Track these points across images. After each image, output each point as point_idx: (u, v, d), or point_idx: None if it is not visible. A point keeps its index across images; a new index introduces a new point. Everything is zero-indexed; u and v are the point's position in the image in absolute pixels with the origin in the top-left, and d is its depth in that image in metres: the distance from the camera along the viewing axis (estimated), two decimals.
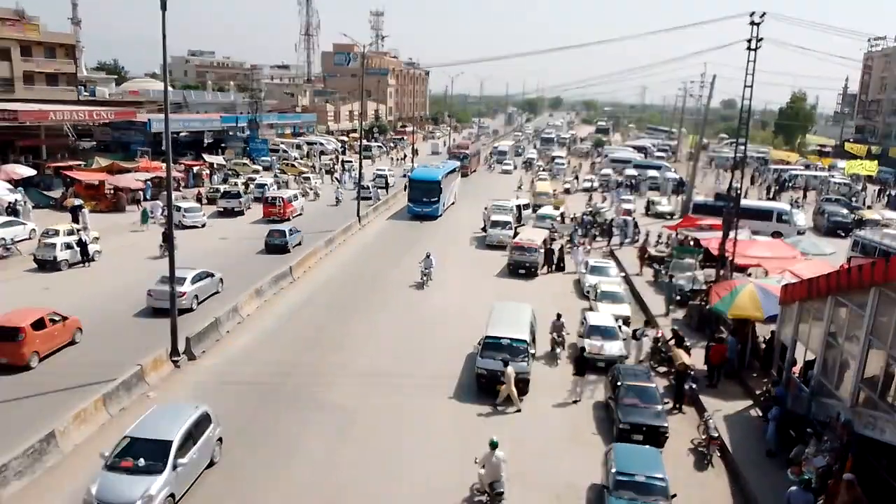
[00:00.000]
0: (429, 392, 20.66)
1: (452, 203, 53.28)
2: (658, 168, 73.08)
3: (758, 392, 21.11)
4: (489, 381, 20.38)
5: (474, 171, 75.19)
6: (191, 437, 15.06)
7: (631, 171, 69.85)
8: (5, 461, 14.68)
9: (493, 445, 15.05)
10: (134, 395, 19.19)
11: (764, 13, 26.58)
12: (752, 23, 26.69)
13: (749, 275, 28.96)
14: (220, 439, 16.44)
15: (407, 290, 30.92)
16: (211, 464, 15.99)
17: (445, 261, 36.59)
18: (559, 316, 24.21)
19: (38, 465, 15.43)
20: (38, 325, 20.65)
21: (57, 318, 21.47)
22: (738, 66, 28.35)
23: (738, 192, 28.45)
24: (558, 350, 23.55)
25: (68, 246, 31.70)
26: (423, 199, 48.36)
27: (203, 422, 15.78)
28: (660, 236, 41.04)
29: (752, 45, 26.66)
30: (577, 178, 69.75)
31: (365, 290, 30.93)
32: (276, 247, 35.82)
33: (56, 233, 33.05)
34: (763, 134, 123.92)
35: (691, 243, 35.38)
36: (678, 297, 29.06)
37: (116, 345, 22.53)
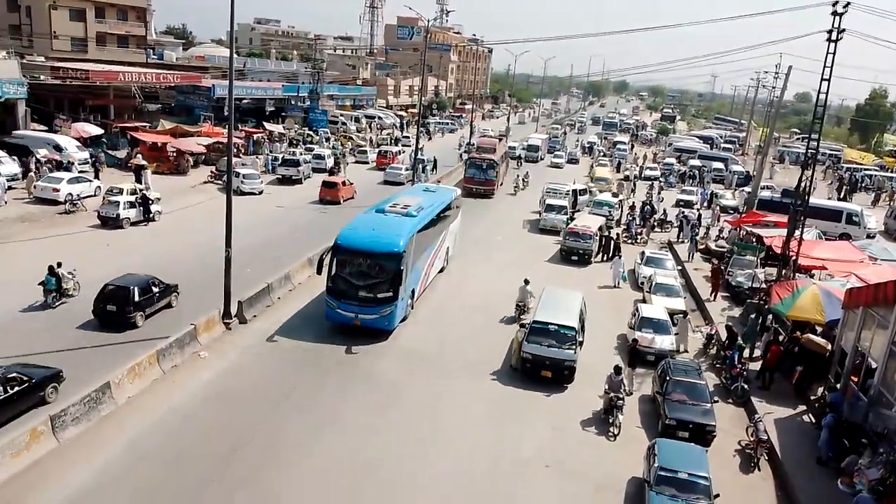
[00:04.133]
0: (471, 373, 20.66)
1: (442, 269, 29.27)
2: (724, 160, 70.91)
3: (812, 397, 20.42)
4: (534, 365, 20.23)
5: (502, 184, 51.31)
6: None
7: (695, 162, 67.95)
8: (64, 407, 15.31)
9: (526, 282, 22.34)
10: (186, 353, 19.68)
11: (848, 2, 25.27)
12: (835, 13, 25.42)
13: (812, 276, 27.92)
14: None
15: (452, 270, 30.77)
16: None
17: (494, 243, 36.39)
18: (618, 370, 18.77)
19: (94, 413, 16.01)
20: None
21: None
22: (816, 57, 27.07)
23: (807, 189, 27.32)
24: (616, 415, 18.07)
25: (131, 205, 32.62)
26: (358, 293, 22.08)
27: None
28: (721, 231, 39.89)
29: (833, 37, 25.39)
30: (638, 165, 68.22)
31: None
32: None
33: (120, 191, 33.98)
34: (837, 131, 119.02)
35: (753, 240, 34.28)
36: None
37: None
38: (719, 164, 68.07)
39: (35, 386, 16.17)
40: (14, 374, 15.92)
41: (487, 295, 27.23)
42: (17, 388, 15.67)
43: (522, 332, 21.14)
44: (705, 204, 49.66)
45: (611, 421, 17.89)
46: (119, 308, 20.79)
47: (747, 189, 50.94)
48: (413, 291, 24.41)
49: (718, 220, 41.51)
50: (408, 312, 23.77)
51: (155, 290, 22.23)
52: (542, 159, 70.89)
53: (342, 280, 22.18)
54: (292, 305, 24.69)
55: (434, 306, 26.11)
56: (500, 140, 59.98)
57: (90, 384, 16.26)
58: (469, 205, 39.41)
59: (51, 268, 22.24)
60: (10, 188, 34.75)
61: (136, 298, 21.21)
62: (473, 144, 67.14)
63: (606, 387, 18.40)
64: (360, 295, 21.86)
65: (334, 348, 21.49)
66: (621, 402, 18.10)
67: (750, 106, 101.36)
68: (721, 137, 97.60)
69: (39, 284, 22.05)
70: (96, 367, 17.77)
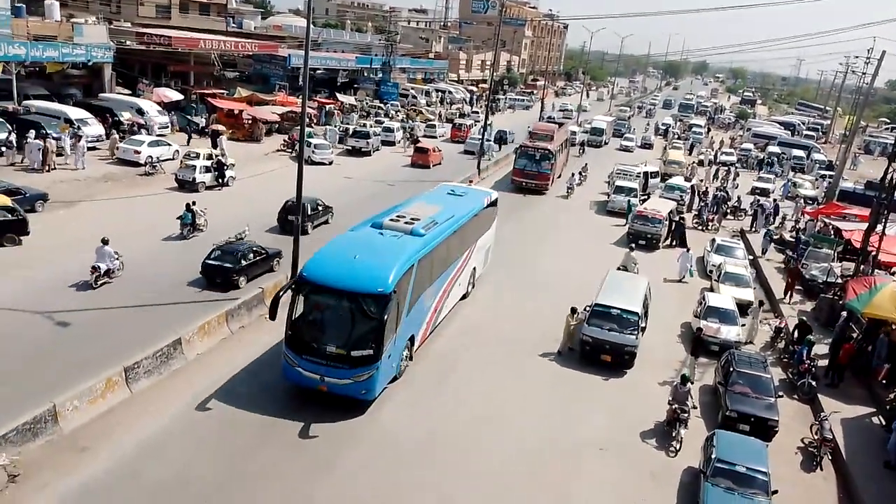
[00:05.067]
0: (530, 353, 20.64)
1: (464, 296, 23.74)
2: (805, 148, 67.92)
3: (886, 399, 19.62)
4: (594, 349, 20.08)
5: (559, 176, 45.38)
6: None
7: (774, 149, 65.36)
8: (138, 359, 16.11)
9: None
10: (254, 315, 20.35)
11: None
12: None
13: (893, 274, 26.66)
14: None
15: (517, 248, 30.65)
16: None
17: (559, 224, 36.06)
18: (685, 380, 17.35)
19: (165, 367, 16.80)
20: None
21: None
22: None
23: (893, 182, 25.93)
24: (679, 430, 16.75)
25: (207, 169, 33.71)
26: (326, 347, 16.13)
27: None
28: (797, 221, 38.40)
29: None
30: (714, 150, 66.03)
31: None
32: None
33: (197, 156, 35.12)
34: None
35: (831, 232, 32.89)
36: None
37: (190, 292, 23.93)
38: (800, 152, 65.27)
39: (269, 257, 23.23)
40: (257, 248, 22.96)
41: (555, 274, 27.07)
42: (258, 258, 22.62)
43: (575, 317, 20.82)
44: (787, 195, 47.46)
45: (673, 434, 16.74)
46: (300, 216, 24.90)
47: (825, 173, 48.63)
48: (412, 339, 18.41)
49: (802, 215, 39.44)
50: (401, 369, 17.92)
51: (319, 208, 29.76)
52: (606, 143, 66.32)
53: (306, 327, 16.43)
54: None
55: (504, 282, 26.04)
56: (560, 126, 52.81)
57: (165, 339, 17.06)
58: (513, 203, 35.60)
59: (187, 205, 26.51)
60: (94, 148, 36.38)
61: (309, 212, 28.24)
62: (553, 119, 66.80)
63: (670, 398, 17.21)
64: (328, 350, 15.83)
65: None
66: (686, 415, 16.79)
67: (837, 92, 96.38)
68: (803, 124, 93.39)
69: (178, 219, 26.24)
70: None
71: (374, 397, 16.46)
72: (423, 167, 45.28)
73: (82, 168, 33.62)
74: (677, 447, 16.44)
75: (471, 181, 40.44)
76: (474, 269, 24.24)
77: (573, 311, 20.95)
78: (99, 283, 20.98)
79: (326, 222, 29.83)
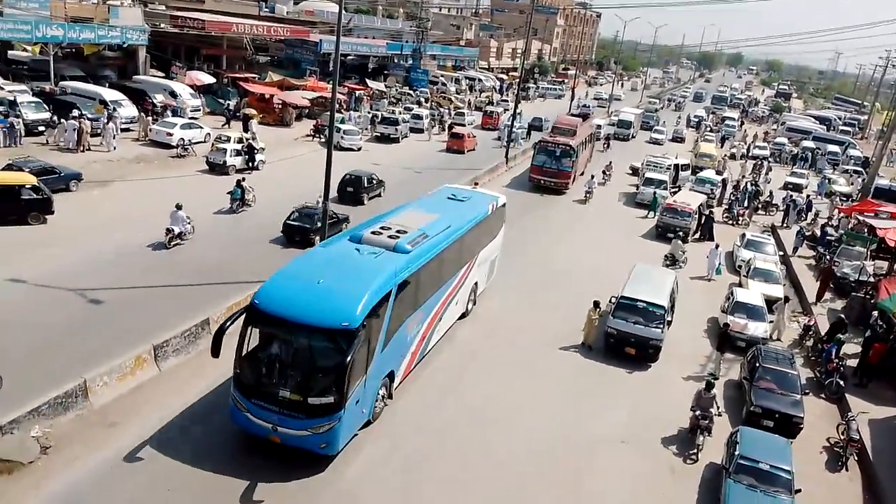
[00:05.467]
0: (553, 344, 20.58)
1: (464, 315, 21.16)
2: (841, 143, 66.50)
3: None
4: (618, 341, 19.98)
5: (582, 173, 42.53)
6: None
7: (809, 144, 64.14)
8: (166, 339, 16.40)
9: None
10: None
11: None
12: None
13: None
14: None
15: (543, 238, 30.56)
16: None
17: (586, 214, 35.82)
18: (710, 386, 16.66)
19: (193, 346, 17.06)
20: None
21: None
22: None
23: None
24: (701, 438, 16.08)
25: (237, 152, 34.04)
26: (278, 391, 13.30)
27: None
28: (830, 218, 37.71)
29: None
30: (746, 143, 64.95)
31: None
32: None
33: (228, 139, 35.48)
34: None
35: (865, 230, 32.25)
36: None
37: (272, 249, 24.27)
38: (835, 147, 63.93)
39: (339, 220, 25.84)
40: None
41: (581, 265, 26.95)
42: (330, 221, 23.86)
43: (597, 311, 20.55)
44: (823, 192, 46.32)
45: (695, 443, 15.96)
46: (355, 189, 31.36)
47: (855, 169, 47.35)
48: (391, 375, 15.65)
49: (837, 213, 38.48)
50: (376, 413, 15.20)
51: (374, 181, 32.67)
52: (634, 137, 63.98)
53: (256, 366, 13.74)
54: None
55: (527, 271, 26.00)
56: (585, 119, 48.70)
57: (192, 319, 17.34)
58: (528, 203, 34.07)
59: (238, 181, 28.38)
60: (127, 130, 36.92)
61: (365, 185, 31.62)
62: (588, 108, 65.75)
63: (694, 403, 16.42)
64: (282, 396, 13.10)
65: None
66: (709, 422, 16.08)
67: (875, 87, 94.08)
68: (840, 119, 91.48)
69: (228, 193, 27.92)
70: None
71: (335, 452, 13.65)
72: (457, 153, 46.54)
73: (113, 149, 34.16)
74: (695, 458, 15.78)
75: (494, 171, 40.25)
76: (476, 283, 21.44)
77: (596, 304, 20.67)
78: (172, 243, 23.32)
79: (379, 195, 32.43)
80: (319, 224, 23.81)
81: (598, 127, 56.33)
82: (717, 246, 29.08)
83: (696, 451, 15.92)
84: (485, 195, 23.63)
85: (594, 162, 47.21)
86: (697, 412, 16.22)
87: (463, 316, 20.90)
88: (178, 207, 23.40)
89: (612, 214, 36.97)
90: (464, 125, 56.27)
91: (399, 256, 15.41)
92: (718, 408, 16.43)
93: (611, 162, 44.86)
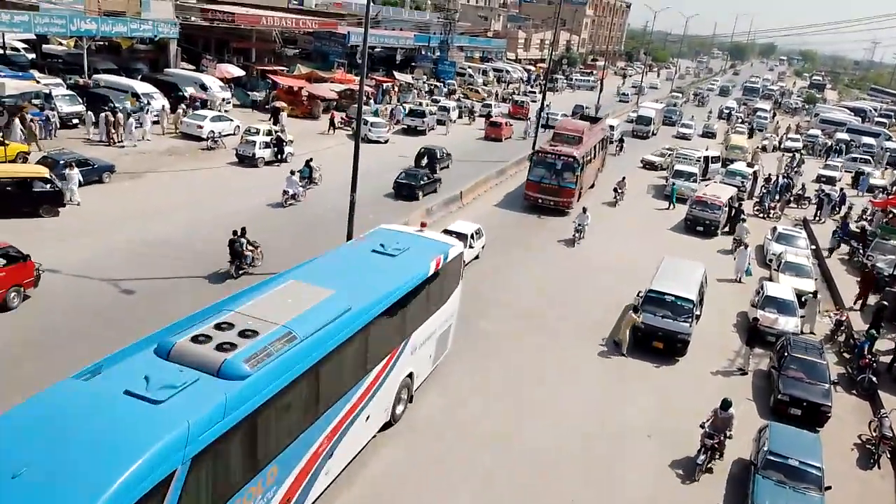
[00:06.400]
0: (580, 338, 20.50)
1: (388, 424, 14.78)
2: (876, 135, 65.08)
3: None
4: (646, 335, 19.85)
5: (592, 186, 37.33)
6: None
7: (843, 136, 62.87)
8: None
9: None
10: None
11: None
12: None
13: None
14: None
15: (569, 234, 30.42)
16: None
17: (616, 207, 35.54)
18: (726, 405, 15.20)
19: None
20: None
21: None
22: None
23: None
24: (703, 457, 14.82)
25: (266, 145, 34.35)
26: None
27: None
28: (864, 212, 36.98)
29: None
30: (778, 135, 63.81)
31: (530, 224, 30.90)
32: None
33: (257, 131, 35.81)
34: None
35: None
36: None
37: (300, 242, 24.46)
38: (870, 140, 62.60)
39: (435, 181, 33.03)
40: (428, 175, 33.03)
41: (610, 259, 26.79)
42: (429, 181, 32.45)
43: (635, 315, 20.08)
44: (864, 190, 44.60)
45: (700, 463, 14.69)
46: (430, 160, 35.78)
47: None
48: None
49: (871, 208, 36.91)
50: None
51: (444, 154, 37.78)
52: (655, 134, 58.65)
53: None
54: None
55: (556, 265, 25.89)
56: (595, 122, 41.57)
57: None
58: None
59: (307, 161, 30.91)
60: (156, 122, 37.44)
61: (438, 157, 36.57)
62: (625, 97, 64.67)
63: (706, 422, 15.05)
64: None
65: None
66: (718, 444, 14.83)
67: None
68: (875, 111, 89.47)
69: (297, 172, 29.52)
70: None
71: None
72: (496, 140, 48.89)
73: (148, 139, 34.68)
74: (696, 477, 14.65)
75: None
76: (409, 376, 15.08)
77: (635, 309, 20.27)
78: (287, 203, 27.81)
79: (448, 167, 37.56)
80: (422, 182, 31.67)
81: (611, 128, 50.01)
82: (745, 246, 28.01)
83: (699, 472, 14.68)
84: (430, 244, 16.39)
85: (607, 170, 41.15)
86: (709, 431, 14.85)
87: (387, 426, 14.76)
88: (292, 173, 28.55)
89: (641, 207, 36.54)
90: (491, 116, 56.25)
91: (225, 387, 9.18)
92: (730, 431, 14.99)
93: (623, 178, 36.99)
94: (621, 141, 51.02)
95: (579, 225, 28.71)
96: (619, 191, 35.99)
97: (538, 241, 28.65)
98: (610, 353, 19.82)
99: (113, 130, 33.43)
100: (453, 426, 15.46)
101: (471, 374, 17.63)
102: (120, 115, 34.16)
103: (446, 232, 22.61)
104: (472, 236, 24.25)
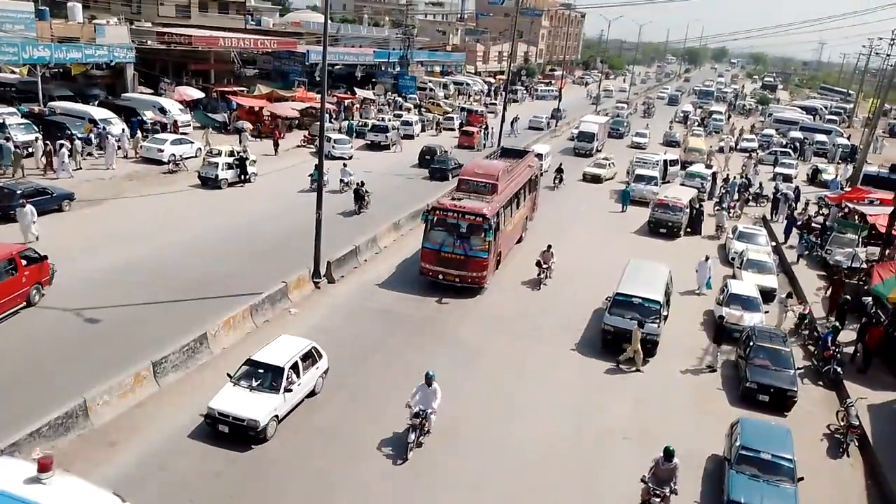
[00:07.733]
0: (552, 343, 20.71)
1: None
2: (828, 132, 66.95)
3: None
4: (615, 338, 20.06)
5: (519, 241, 29.15)
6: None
7: (796, 134, 64.54)
8: (165, 355, 16.40)
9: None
10: (277, 309, 20.62)
11: None
12: None
13: None
14: (325, 371, 17.03)
15: (540, 240, 30.61)
16: (313, 393, 16.49)
17: (580, 213, 35.95)
18: (669, 455, 13.59)
19: (192, 361, 17.10)
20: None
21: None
22: None
23: None
24: None
25: (229, 166, 34.02)
26: None
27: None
28: (820, 207, 37.90)
29: None
30: (734, 136, 65.19)
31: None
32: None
33: (219, 153, 35.48)
34: None
35: (856, 218, 32.45)
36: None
37: (267, 262, 24.23)
38: (823, 137, 64.35)
39: (445, 153, 42.30)
40: (455, 163, 40.37)
41: (576, 264, 27.04)
42: (443, 151, 42.64)
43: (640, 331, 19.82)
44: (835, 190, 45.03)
45: None
46: (432, 157, 42.15)
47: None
48: None
49: (826, 205, 37.28)
50: None
51: (444, 151, 43.15)
52: (599, 150, 52.85)
53: None
54: (379, 268, 25.28)
55: (524, 272, 26.00)
56: (519, 158, 31.26)
57: (191, 334, 17.35)
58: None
59: (317, 166, 28.72)
60: (118, 147, 36.82)
61: (438, 154, 42.06)
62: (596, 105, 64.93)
63: (648, 475, 13.65)
64: None
65: (417, 310, 21.96)
66: (664, 501, 13.33)
67: (860, 75, 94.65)
68: (826, 108, 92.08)
69: (309, 176, 32.18)
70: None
71: None
72: (469, 148, 50.35)
73: (113, 168, 34.01)
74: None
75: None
76: None
77: (640, 323, 19.58)
78: (344, 191, 33.03)
79: (460, 165, 38.49)
80: (452, 165, 39.78)
81: (540, 157, 38.55)
82: (706, 258, 26.52)
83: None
84: None
85: (539, 217, 32.76)
86: (650, 486, 13.44)
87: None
88: (345, 165, 35.08)
89: (606, 212, 36.99)
90: (453, 129, 56.80)
91: None
92: (674, 484, 13.43)
93: (549, 246, 25.81)
94: (559, 171, 40.98)
95: (545, 263, 25.05)
96: (545, 265, 25.34)
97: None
98: (582, 357, 19.98)
99: (45, 161, 31.82)
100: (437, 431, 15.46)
101: (446, 370, 17.63)
102: (77, 142, 33.55)
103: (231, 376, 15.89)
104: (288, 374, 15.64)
